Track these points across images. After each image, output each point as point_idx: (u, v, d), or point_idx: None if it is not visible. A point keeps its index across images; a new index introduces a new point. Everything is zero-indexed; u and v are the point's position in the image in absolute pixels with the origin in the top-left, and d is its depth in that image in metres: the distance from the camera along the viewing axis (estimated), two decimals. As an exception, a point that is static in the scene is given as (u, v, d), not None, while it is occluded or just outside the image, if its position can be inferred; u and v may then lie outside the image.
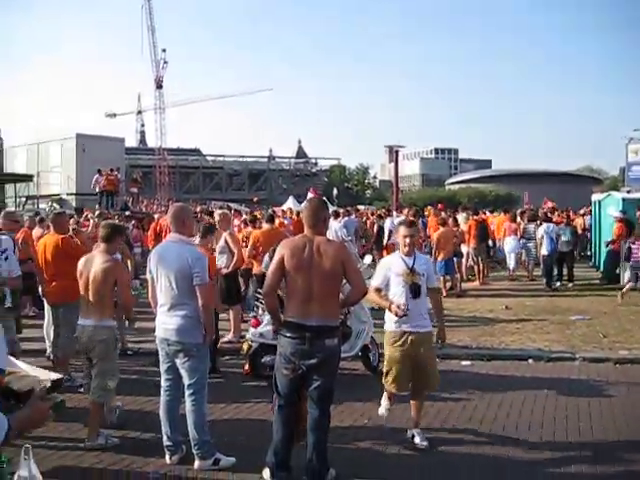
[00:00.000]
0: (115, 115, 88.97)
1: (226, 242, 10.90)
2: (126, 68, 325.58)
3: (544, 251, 17.17)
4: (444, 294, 13.53)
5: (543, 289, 16.89)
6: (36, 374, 3.11)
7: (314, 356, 5.23)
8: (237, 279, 11.26)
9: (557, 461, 5.99)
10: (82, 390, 7.33)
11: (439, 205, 26.09)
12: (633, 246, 14.77)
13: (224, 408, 7.48)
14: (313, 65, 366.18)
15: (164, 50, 76.60)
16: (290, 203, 40.40)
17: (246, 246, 11.80)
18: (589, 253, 23.07)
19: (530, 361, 9.57)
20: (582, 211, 28.02)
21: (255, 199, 51.68)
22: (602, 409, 7.45)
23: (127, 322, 7.26)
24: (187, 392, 5.82)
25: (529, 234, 18.56)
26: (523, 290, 16.97)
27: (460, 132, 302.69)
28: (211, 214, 17.88)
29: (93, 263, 6.51)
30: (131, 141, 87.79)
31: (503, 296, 15.78)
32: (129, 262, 10.35)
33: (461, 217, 20.08)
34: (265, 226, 12.66)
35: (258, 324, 8.50)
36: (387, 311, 6.27)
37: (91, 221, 14.78)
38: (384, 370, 6.47)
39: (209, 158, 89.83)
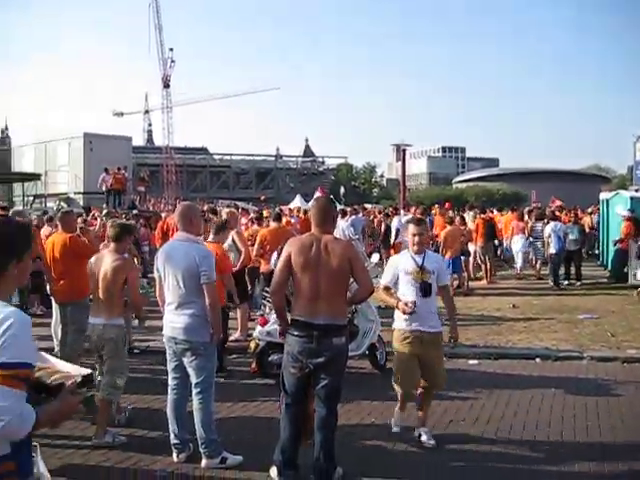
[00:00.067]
0: (122, 114, 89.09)
1: (233, 241, 10.91)
2: (133, 67, 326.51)
3: (552, 250, 17.12)
4: (451, 293, 13.49)
5: (551, 288, 16.84)
6: (67, 369, 3.13)
7: (321, 355, 5.22)
8: (244, 277, 11.27)
9: (564, 460, 5.96)
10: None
11: (446, 204, 26.03)
12: None
13: (231, 406, 7.48)
14: (320, 64, 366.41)
15: (171, 49, 76.68)
16: (297, 202, 40.38)
17: (252, 244, 11.81)
18: (597, 252, 22.99)
19: (538, 360, 9.54)
20: (590, 210, 27.94)
21: (262, 198, 51.65)
22: (610, 408, 7.42)
23: (137, 321, 7.27)
24: (194, 390, 5.82)
25: (537, 233, 18.52)
26: (530, 289, 16.93)
27: (467, 131, 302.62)
28: (215, 212, 17.87)
29: (103, 262, 6.57)
30: (138, 140, 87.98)
31: (510, 295, 15.76)
32: (135, 260, 10.37)
33: (468, 216, 20.05)
34: (272, 225, 12.66)
35: (265, 322, 8.50)
36: (396, 309, 6.21)
37: (98, 220, 14.81)
38: (394, 369, 6.41)
39: (216, 157, 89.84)
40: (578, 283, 17.48)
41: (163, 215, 20.47)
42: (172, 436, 5.93)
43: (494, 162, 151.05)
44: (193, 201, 21.93)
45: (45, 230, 12.45)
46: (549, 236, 17.27)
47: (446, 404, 7.44)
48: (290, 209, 29.08)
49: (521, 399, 7.75)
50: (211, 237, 9.09)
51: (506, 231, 20.47)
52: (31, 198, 36.28)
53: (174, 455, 5.90)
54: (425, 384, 6.30)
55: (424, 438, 6.27)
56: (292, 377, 5.42)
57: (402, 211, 19.68)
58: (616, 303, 14.33)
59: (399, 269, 6.30)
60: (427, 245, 6.57)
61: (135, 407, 7.27)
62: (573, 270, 17.90)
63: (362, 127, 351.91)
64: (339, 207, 17.51)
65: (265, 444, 5.91)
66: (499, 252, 21.38)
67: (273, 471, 5.50)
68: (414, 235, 6.29)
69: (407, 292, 6.19)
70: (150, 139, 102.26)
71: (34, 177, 36.19)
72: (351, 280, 5.52)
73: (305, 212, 21.72)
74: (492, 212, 23.68)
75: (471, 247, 17.79)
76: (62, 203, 29.65)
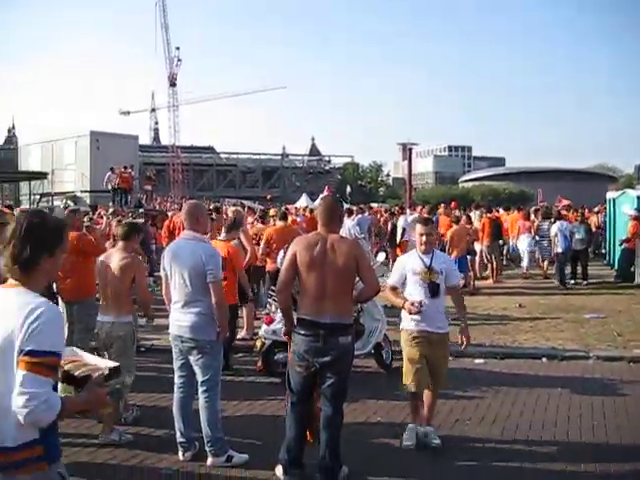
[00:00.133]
0: (129, 113, 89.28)
1: (239, 239, 10.91)
2: (139, 66, 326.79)
3: (558, 249, 17.09)
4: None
5: (557, 287, 16.80)
6: (95, 362, 3.27)
7: (328, 354, 5.22)
8: (250, 276, 11.27)
9: (571, 460, 5.95)
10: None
11: (452, 203, 25.98)
12: None
13: (237, 405, 7.49)
14: (326, 63, 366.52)
15: (178, 48, 76.98)
16: (303, 201, 40.39)
17: (256, 243, 11.80)
18: (603, 251, 22.93)
19: (544, 359, 9.52)
20: (596, 209, 27.87)
21: (268, 196, 51.65)
22: (616, 408, 7.41)
23: (145, 319, 7.29)
24: (200, 389, 5.83)
25: (543, 232, 18.47)
26: (537, 288, 16.88)
27: (474, 130, 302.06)
28: (218, 211, 17.85)
29: (112, 260, 6.62)
30: (145, 139, 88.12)
31: (517, 294, 15.73)
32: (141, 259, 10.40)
33: (474, 215, 20.02)
34: (278, 223, 12.67)
35: (271, 321, 8.50)
36: (403, 310, 6.17)
37: (104, 219, 14.83)
38: (403, 370, 6.30)
39: (223, 155, 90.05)
40: (584, 282, 17.43)
41: (169, 214, 20.49)
42: (178, 434, 5.94)
43: (500, 161, 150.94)
44: (199, 200, 21.94)
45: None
46: (555, 235, 17.24)
47: (452, 403, 7.44)
48: (296, 208, 29.06)
49: (527, 399, 7.74)
50: (223, 235, 9.15)
51: (512, 230, 20.43)
52: (38, 197, 36.36)
53: (180, 453, 5.91)
54: (430, 384, 6.29)
55: (430, 437, 6.25)
56: (298, 376, 5.42)
57: (408, 210, 19.63)
58: (623, 303, 14.29)
59: (407, 269, 6.26)
60: (434, 245, 6.50)
61: (141, 405, 7.28)
62: (579, 269, 17.86)
63: (368, 126, 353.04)
64: (345, 206, 17.51)
65: (271, 443, 5.92)
66: (504, 252, 21.35)
67: (279, 470, 5.51)
68: (421, 235, 6.24)
69: (415, 292, 6.15)
70: (157, 138, 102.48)
71: (41, 176, 36.28)
72: (357, 279, 5.51)
73: (311, 211, 21.71)
74: (498, 211, 23.65)
75: (477, 246, 17.76)
76: (69, 202, 29.70)
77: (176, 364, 6.05)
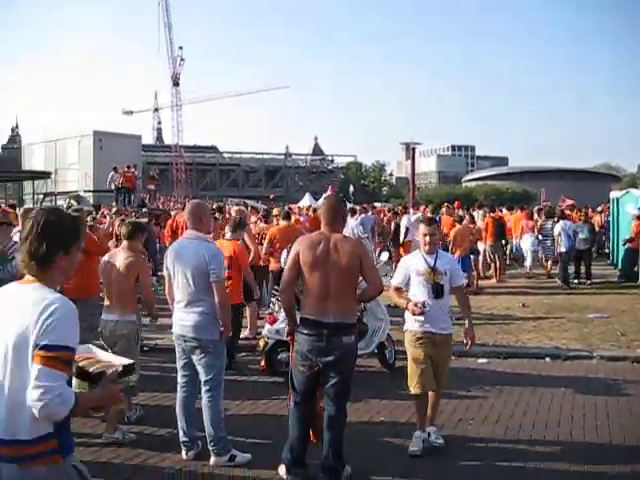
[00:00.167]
0: (132, 112, 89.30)
1: (242, 239, 10.92)
2: (141, 66, 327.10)
3: (561, 248, 17.07)
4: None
5: (560, 287, 16.79)
6: (109, 359, 3.32)
7: (331, 353, 5.22)
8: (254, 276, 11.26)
9: (574, 460, 5.94)
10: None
11: (455, 203, 25.99)
12: None
13: (240, 405, 7.49)
14: (330, 63, 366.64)
15: (181, 47, 76.83)
16: (306, 200, 40.39)
17: (259, 242, 11.80)
18: (607, 251, 22.90)
19: (547, 359, 9.51)
20: (599, 208, 27.84)
21: (271, 196, 51.68)
22: (620, 408, 7.39)
23: (149, 318, 7.31)
24: (203, 388, 5.83)
25: (546, 231, 18.45)
26: (540, 288, 16.87)
27: (477, 129, 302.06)
28: (221, 210, 17.86)
29: (116, 259, 6.68)
30: (148, 138, 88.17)
31: (520, 294, 15.72)
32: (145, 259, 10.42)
33: (478, 214, 20.00)
34: (282, 223, 12.66)
35: (274, 321, 8.50)
36: (406, 310, 6.12)
37: (107, 218, 14.85)
38: (409, 372, 6.22)
39: (226, 155, 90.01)
40: (588, 282, 17.41)
41: (172, 213, 20.51)
42: (181, 433, 5.94)
43: (503, 161, 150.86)
44: (202, 199, 21.96)
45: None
46: (559, 235, 17.22)
47: (455, 403, 7.43)
48: (299, 207, 29.06)
49: (530, 398, 7.73)
50: (229, 235, 9.16)
51: (515, 230, 20.43)
52: (41, 196, 36.44)
53: (183, 452, 5.92)
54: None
55: (432, 437, 6.22)
56: (301, 375, 5.42)
57: (411, 210, 19.66)
58: (626, 302, 14.27)
59: (410, 270, 6.20)
60: (438, 245, 6.47)
61: (145, 405, 7.29)
62: (583, 269, 17.82)
63: (371, 125, 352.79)
64: (348, 206, 17.51)
65: (274, 442, 5.93)
66: (508, 251, 21.33)
67: (282, 469, 5.51)
68: (425, 235, 6.20)
69: (418, 293, 6.11)
70: (160, 137, 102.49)
71: (44, 175, 36.37)
72: (360, 279, 5.50)
73: (314, 210, 21.71)
74: (501, 211, 23.64)
75: (480, 246, 17.75)
76: (72, 201, 29.73)
77: (179, 363, 6.05)
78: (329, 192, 23.10)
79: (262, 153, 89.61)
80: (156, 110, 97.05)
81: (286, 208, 19.01)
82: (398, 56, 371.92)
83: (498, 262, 18.15)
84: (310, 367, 5.32)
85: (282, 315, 8.04)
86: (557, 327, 11.67)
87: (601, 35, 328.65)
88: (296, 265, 5.37)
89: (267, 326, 8.64)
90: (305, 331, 5.33)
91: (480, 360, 9.39)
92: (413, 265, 6.22)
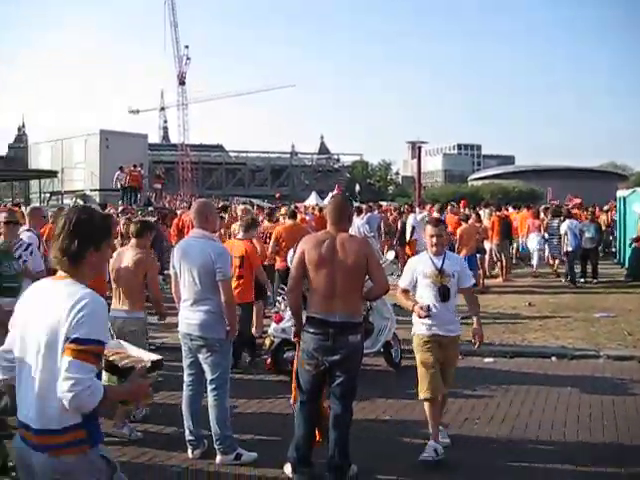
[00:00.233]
0: (138, 111, 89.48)
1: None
2: (149, 65, 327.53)
3: (568, 247, 17.03)
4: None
5: (567, 286, 16.76)
6: (138, 354, 3.42)
7: (337, 352, 5.21)
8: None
9: (580, 460, 5.92)
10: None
11: (462, 201, 25.94)
12: None
13: (246, 403, 7.50)
14: (335, 62, 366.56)
15: (187, 46, 77.09)
16: (312, 199, 40.40)
17: (264, 241, 11.80)
18: (613, 250, 22.83)
19: (553, 358, 9.49)
20: (606, 207, 27.75)
21: (277, 195, 51.70)
22: (626, 407, 7.37)
23: (157, 317, 7.33)
24: (209, 387, 5.83)
25: (552, 229, 18.41)
26: (546, 287, 16.84)
27: (483, 128, 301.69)
28: (226, 209, 17.88)
29: (125, 257, 6.73)
30: (154, 137, 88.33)
31: (526, 293, 15.69)
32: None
33: (484, 213, 19.97)
34: (288, 222, 12.68)
35: (280, 319, 8.50)
36: (414, 313, 6.01)
37: (113, 217, 14.86)
38: (419, 377, 6.07)
39: (232, 154, 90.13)
40: (594, 281, 17.36)
41: (179, 212, 20.52)
42: (187, 432, 5.94)
43: (510, 159, 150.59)
44: (208, 198, 21.98)
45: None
46: (565, 234, 17.18)
47: (461, 402, 7.42)
48: (305, 206, 29.06)
49: (537, 398, 7.72)
50: (241, 234, 9.20)
51: (522, 229, 20.39)
52: (48, 195, 36.52)
53: (189, 451, 5.92)
54: None
55: (439, 436, 6.21)
56: (307, 374, 5.42)
57: (417, 209, 19.63)
58: (633, 302, 14.22)
59: (417, 272, 6.10)
60: (446, 246, 6.34)
61: (151, 403, 7.29)
62: (589, 268, 17.77)
63: (377, 125, 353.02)
64: (354, 205, 17.50)
65: (280, 441, 5.93)
66: (514, 250, 21.29)
67: (287, 468, 5.51)
68: (432, 236, 6.09)
69: (425, 295, 6.01)
70: (166, 136, 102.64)
71: (51, 174, 36.43)
72: (365, 277, 5.49)
73: (320, 209, 21.70)
74: (507, 210, 23.58)
75: (487, 245, 17.72)
76: (78, 200, 29.79)
77: (185, 362, 6.06)
78: (335, 191, 23.08)
79: (268, 152, 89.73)
80: (162, 109, 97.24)
81: (292, 207, 19.03)
82: (399, 56, 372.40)
83: (504, 261, 18.13)
84: (316, 366, 5.32)
85: (288, 314, 8.04)
86: (563, 326, 11.64)
87: (601, 34, 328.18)
88: (302, 264, 5.37)
89: (273, 325, 8.64)
90: (311, 330, 5.33)
91: (486, 359, 9.37)
92: (420, 267, 6.12)
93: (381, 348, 8.78)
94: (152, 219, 15.79)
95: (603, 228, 22.39)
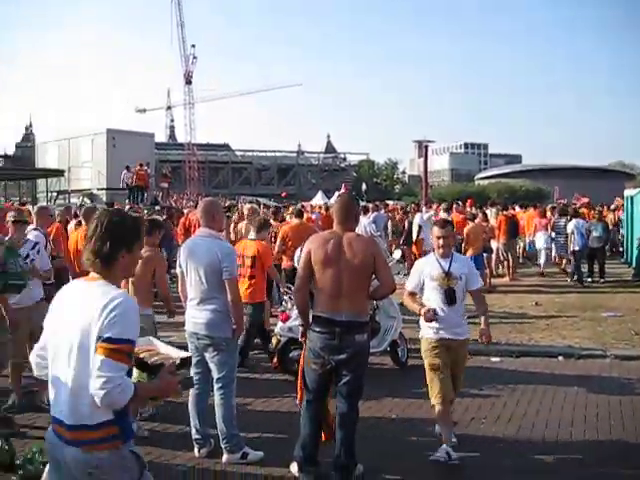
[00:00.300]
0: (145, 110, 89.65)
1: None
2: (155, 64, 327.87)
3: (575, 247, 16.98)
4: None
5: (574, 285, 16.71)
6: (167, 351, 3.49)
7: (343, 351, 5.21)
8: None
9: (587, 460, 5.92)
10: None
11: (468, 201, 25.89)
12: None
13: (252, 402, 7.51)
14: (342, 61, 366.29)
15: (193, 46, 77.21)
16: (319, 198, 40.40)
17: (270, 240, 11.80)
18: (621, 249, 22.75)
19: (560, 358, 9.47)
20: (613, 206, 27.67)
21: (284, 194, 51.72)
22: (634, 407, 7.34)
23: (167, 314, 7.35)
24: (216, 386, 5.84)
25: (559, 228, 18.36)
26: (553, 286, 16.80)
27: (490, 127, 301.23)
28: (229, 209, 17.87)
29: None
30: (161, 136, 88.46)
31: (533, 292, 15.66)
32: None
33: (491, 212, 19.94)
34: (294, 221, 12.69)
35: (287, 318, 8.51)
36: (421, 317, 5.93)
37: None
38: (428, 382, 5.99)
39: (238, 153, 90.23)
40: (601, 281, 17.30)
41: (185, 211, 20.54)
42: (193, 431, 5.95)
43: (517, 158, 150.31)
44: (215, 197, 22.00)
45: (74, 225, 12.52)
46: (572, 233, 17.13)
47: (467, 402, 7.41)
48: (312, 205, 29.05)
49: (543, 397, 7.70)
50: (253, 235, 9.22)
51: (528, 228, 20.35)
52: (55, 194, 36.58)
53: (195, 450, 5.93)
54: None
55: (440, 426, 6.18)
56: (313, 373, 5.42)
57: (424, 208, 19.60)
58: (640, 301, 14.16)
59: (424, 274, 6.02)
60: (453, 247, 6.21)
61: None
62: (596, 267, 17.72)
63: (384, 124, 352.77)
64: (361, 204, 17.49)
65: (286, 440, 5.93)
66: (521, 249, 21.25)
67: (293, 467, 5.51)
68: (439, 238, 6.02)
69: (432, 298, 5.94)
70: (172, 135, 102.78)
71: (58, 173, 36.46)
72: (372, 277, 5.48)
73: (327, 208, 21.70)
74: (514, 209, 23.53)
75: (493, 244, 17.69)
76: (85, 199, 29.87)
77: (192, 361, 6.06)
78: (342, 190, 23.06)
79: (274, 151, 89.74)
80: (169, 108, 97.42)
81: (299, 206, 19.03)
82: (404, 56, 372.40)
83: (511, 260, 18.10)
84: (322, 365, 5.32)
85: (294, 313, 8.04)
86: (570, 326, 11.61)
87: (617, 32, 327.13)
88: (308, 264, 5.37)
89: (279, 324, 8.65)
90: (317, 329, 5.33)
91: (493, 359, 9.36)
92: (427, 270, 6.03)
93: (388, 347, 8.78)
94: (161, 217, 15.85)
95: (610, 227, 22.34)
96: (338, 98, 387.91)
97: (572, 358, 9.45)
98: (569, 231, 17.33)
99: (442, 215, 17.33)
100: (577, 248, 16.92)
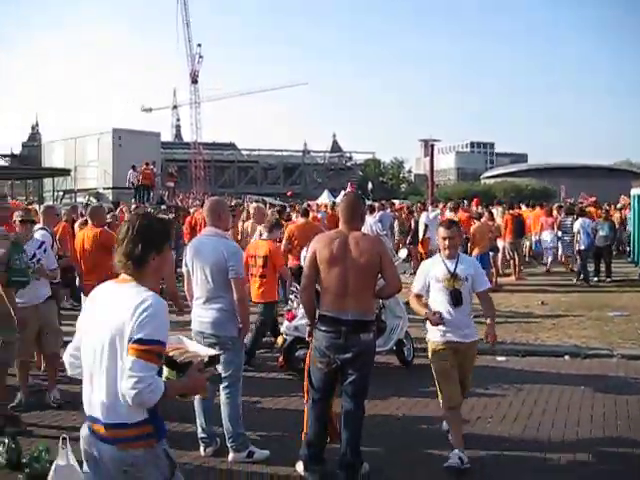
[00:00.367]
0: (151, 109, 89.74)
1: (261, 235, 10.96)
2: (161, 63, 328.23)
3: (580, 246, 16.94)
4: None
5: (580, 284, 16.68)
6: (196, 349, 3.55)
7: (349, 350, 5.21)
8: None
9: (594, 460, 5.90)
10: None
11: (474, 200, 25.85)
12: None
13: (258, 401, 7.51)
14: (347, 60, 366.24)
15: (199, 45, 77.16)
16: (325, 197, 40.40)
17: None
18: (627, 248, 22.68)
19: (566, 358, 9.45)
20: (619, 205, 27.57)
21: (289, 193, 51.71)
22: (640, 407, 7.33)
23: (176, 311, 7.35)
24: (222, 385, 5.84)
25: (566, 227, 18.32)
26: (559, 285, 16.75)
27: (496, 126, 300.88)
28: (234, 209, 17.86)
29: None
30: (167, 136, 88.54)
31: (539, 291, 15.63)
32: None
33: (497, 211, 19.91)
34: (300, 220, 12.70)
35: (293, 317, 8.51)
36: (427, 320, 5.89)
37: (126, 215, 14.92)
38: (437, 386, 5.93)
39: (244, 152, 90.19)
40: (608, 280, 17.25)
41: (191, 210, 20.57)
42: (199, 430, 5.96)
43: (523, 157, 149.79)
44: (221, 196, 22.01)
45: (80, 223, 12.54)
46: (578, 232, 17.08)
47: (473, 401, 7.40)
48: (317, 204, 29.04)
49: (549, 397, 7.69)
50: (265, 235, 9.30)
51: (535, 227, 20.32)
52: (61, 193, 36.68)
53: (201, 449, 5.94)
54: None
55: (450, 430, 6.16)
56: (319, 372, 5.42)
57: (430, 207, 19.58)
58: (647, 300, 14.12)
59: (430, 276, 5.95)
60: (459, 248, 6.13)
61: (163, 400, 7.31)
62: (603, 267, 17.67)
63: (390, 123, 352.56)
64: (367, 203, 17.48)
65: (292, 439, 5.93)
66: (527, 248, 21.21)
67: (299, 466, 5.51)
68: (444, 239, 5.93)
69: (438, 299, 5.87)
70: (178, 135, 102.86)
71: (64, 172, 36.60)
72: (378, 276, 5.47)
73: (333, 207, 21.69)
74: (519, 208, 23.48)
75: (500, 243, 17.66)
76: (91, 198, 29.93)
77: (198, 360, 6.06)
78: (348, 189, 23.03)
79: (280, 150, 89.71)
80: (175, 107, 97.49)
81: (304, 205, 19.03)
82: (410, 55, 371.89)
83: (517, 259, 18.07)
84: (328, 364, 5.32)
85: (301, 312, 8.05)
86: (577, 325, 11.59)
87: (602, 33, 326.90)
88: (314, 263, 5.36)
89: (286, 323, 8.65)
90: (323, 328, 5.33)
91: (499, 358, 9.34)
92: (432, 271, 5.96)
93: (394, 346, 8.77)
94: (169, 216, 15.86)
95: (617, 226, 22.27)
96: (344, 97, 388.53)
97: (578, 358, 9.44)
98: (575, 230, 17.29)
99: (448, 214, 17.33)
100: (583, 247, 16.88)
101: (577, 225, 17.24)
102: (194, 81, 78.99)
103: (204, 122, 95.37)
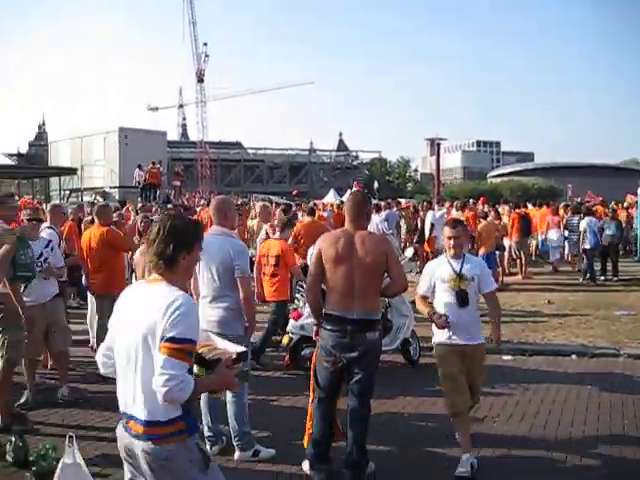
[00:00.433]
0: (157, 109, 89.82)
1: (267, 234, 10.99)
2: (167, 62, 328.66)
3: (587, 245, 16.89)
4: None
5: (587, 283, 16.64)
6: (224, 346, 3.59)
7: (355, 349, 5.20)
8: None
9: (601, 460, 5.89)
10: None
11: (481, 199, 25.82)
12: None
13: (264, 400, 7.51)
14: (353, 59, 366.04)
15: (205, 44, 77.15)
16: (331, 196, 40.38)
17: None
18: (634, 247, 22.61)
19: (573, 357, 9.44)
20: (626, 204, 27.49)
21: (295, 191, 51.69)
22: (647, 406, 7.31)
23: None
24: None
25: (572, 226, 18.29)
26: (566, 284, 16.70)
27: (502, 125, 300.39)
28: (239, 208, 17.85)
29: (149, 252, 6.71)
30: (173, 135, 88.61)
31: (546, 290, 15.59)
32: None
33: (503, 210, 19.88)
34: (306, 219, 12.70)
35: (299, 316, 8.52)
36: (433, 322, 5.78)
37: (132, 213, 14.94)
38: (443, 390, 5.86)
39: (250, 151, 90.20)
40: (615, 279, 17.21)
41: (197, 209, 20.58)
42: (205, 429, 5.96)
43: (529, 156, 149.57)
44: (227, 195, 22.02)
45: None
46: (584, 231, 17.04)
47: (480, 400, 7.37)
48: (324, 203, 29.04)
49: (556, 396, 7.67)
50: (278, 234, 9.40)
51: (541, 226, 20.28)
52: (67, 192, 36.78)
53: (207, 447, 5.93)
54: None
55: (457, 434, 6.15)
56: (325, 371, 5.41)
57: (436, 206, 19.57)
58: (654, 300, 14.07)
59: (435, 277, 5.85)
60: (464, 247, 6.01)
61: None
62: (610, 266, 17.62)
63: (396, 122, 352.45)
64: (373, 202, 17.47)
65: (297, 438, 5.92)
66: (534, 247, 21.17)
67: (305, 465, 5.51)
68: (450, 238, 5.82)
69: (443, 300, 5.77)
70: (184, 134, 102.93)
71: (70, 171, 36.68)
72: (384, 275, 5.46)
73: (339, 206, 21.68)
74: (526, 207, 23.43)
75: (506, 242, 17.63)
76: (98, 197, 29.97)
77: (204, 358, 6.07)
78: (355, 188, 23.05)
79: (286, 149, 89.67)
80: (181, 106, 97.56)
81: (311, 204, 19.03)
82: (415, 54, 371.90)
83: (524, 258, 18.03)
84: (334, 363, 5.31)
85: (307, 311, 8.05)
86: (583, 324, 11.56)
87: (614, 32, 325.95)
88: (320, 262, 5.36)
89: (292, 322, 8.65)
90: (329, 327, 5.32)
91: (505, 357, 9.32)
92: (438, 272, 5.85)
93: (400, 345, 8.77)
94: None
95: (623, 225, 22.21)
96: (350, 96, 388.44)
97: (585, 357, 9.42)
98: (582, 229, 17.25)
99: (455, 214, 17.31)
100: (589, 246, 16.83)
101: (583, 224, 17.20)
102: (200, 80, 78.95)
103: (210, 121, 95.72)
